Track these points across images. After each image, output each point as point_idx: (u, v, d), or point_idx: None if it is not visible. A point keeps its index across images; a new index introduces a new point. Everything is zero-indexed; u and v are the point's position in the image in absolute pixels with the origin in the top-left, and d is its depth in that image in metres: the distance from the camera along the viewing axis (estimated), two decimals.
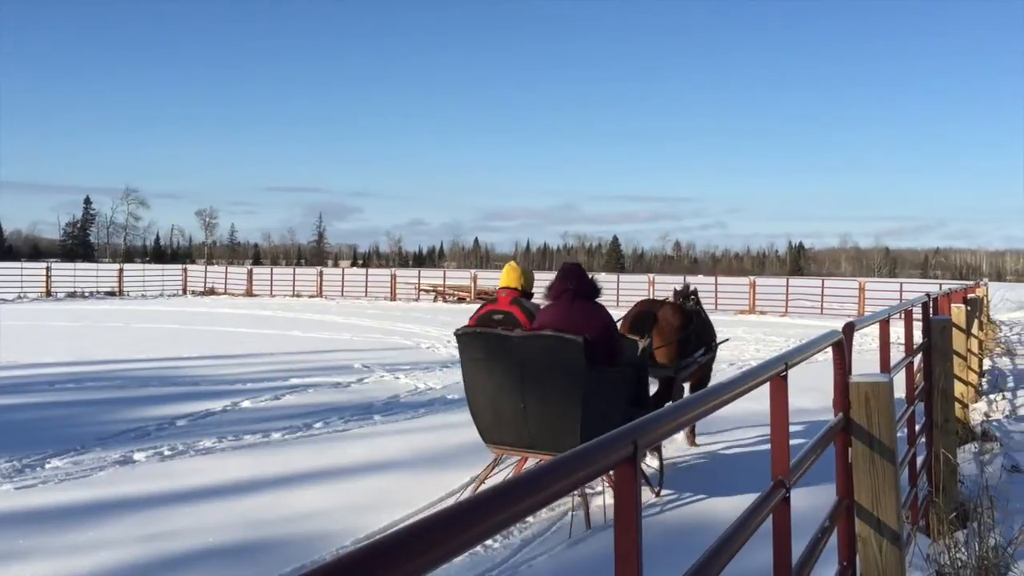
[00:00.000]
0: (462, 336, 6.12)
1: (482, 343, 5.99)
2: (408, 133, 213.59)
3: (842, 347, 3.05)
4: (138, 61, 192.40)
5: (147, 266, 58.15)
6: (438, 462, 7.22)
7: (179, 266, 46.60)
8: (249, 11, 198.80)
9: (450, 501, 6.03)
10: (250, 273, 39.89)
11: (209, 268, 46.30)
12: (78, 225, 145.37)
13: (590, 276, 6.39)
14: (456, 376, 12.34)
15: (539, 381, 5.76)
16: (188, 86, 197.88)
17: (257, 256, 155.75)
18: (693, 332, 7.94)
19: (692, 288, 9.03)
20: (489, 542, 5.25)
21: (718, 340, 8.74)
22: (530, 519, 5.72)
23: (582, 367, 5.63)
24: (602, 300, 6.35)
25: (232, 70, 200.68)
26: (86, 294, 35.15)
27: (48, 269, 35.56)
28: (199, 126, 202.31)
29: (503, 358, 5.87)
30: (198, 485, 6.45)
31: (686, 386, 7.81)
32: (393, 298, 35.64)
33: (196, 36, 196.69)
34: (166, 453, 7.43)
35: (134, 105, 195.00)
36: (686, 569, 1.64)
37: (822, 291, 31.81)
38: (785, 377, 2.28)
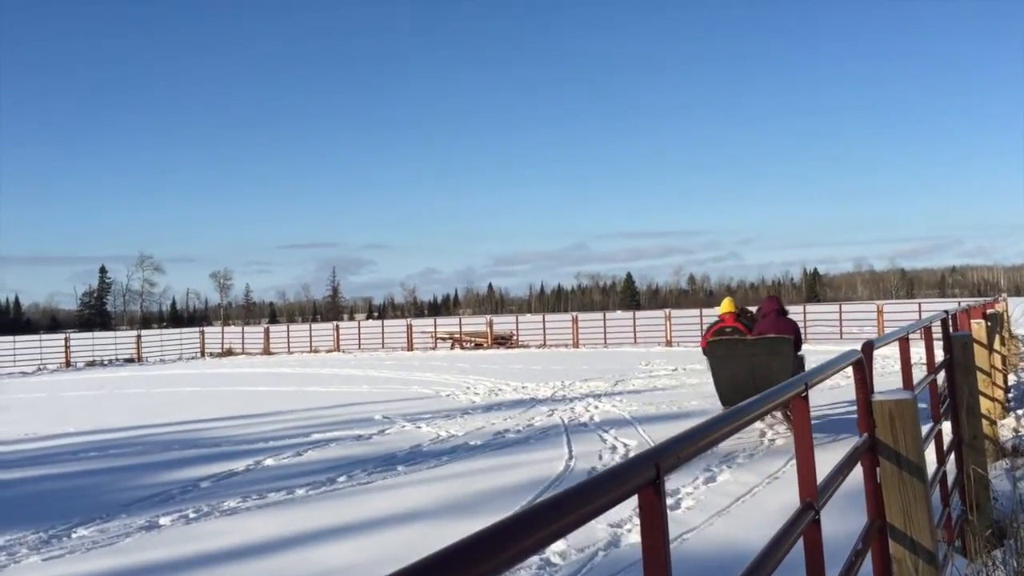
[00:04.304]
0: (712, 343, 10.23)
1: (725, 346, 10.11)
2: (417, 183, 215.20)
3: (863, 366, 3.02)
4: (143, 127, 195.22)
5: (164, 331, 58.44)
6: (464, 509, 7.16)
7: (196, 329, 46.82)
8: (250, 70, 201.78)
9: None
10: (267, 332, 40.03)
11: (226, 329, 46.47)
12: (94, 295, 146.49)
13: (782, 303, 10.80)
14: (478, 422, 12.33)
15: (764, 364, 9.72)
16: (196, 150, 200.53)
17: (273, 314, 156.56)
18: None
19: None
20: None
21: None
22: (560, 562, 5.66)
23: (790, 353, 9.87)
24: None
25: (240, 130, 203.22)
26: (105, 362, 35.32)
27: (67, 340, 35.79)
28: (210, 189, 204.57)
29: (740, 352, 9.93)
30: (224, 546, 6.42)
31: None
32: (410, 348, 35.64)
33: (201, 99, 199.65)
34: (191, 516, 7.40)
35: (144, 172, 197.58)
36: None
37: (840, 316, 31.62)
38: (806, 398, 2.26)
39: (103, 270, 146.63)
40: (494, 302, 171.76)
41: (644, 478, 1.25)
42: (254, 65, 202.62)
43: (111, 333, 53.97)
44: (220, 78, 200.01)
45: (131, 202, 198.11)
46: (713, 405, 12.82)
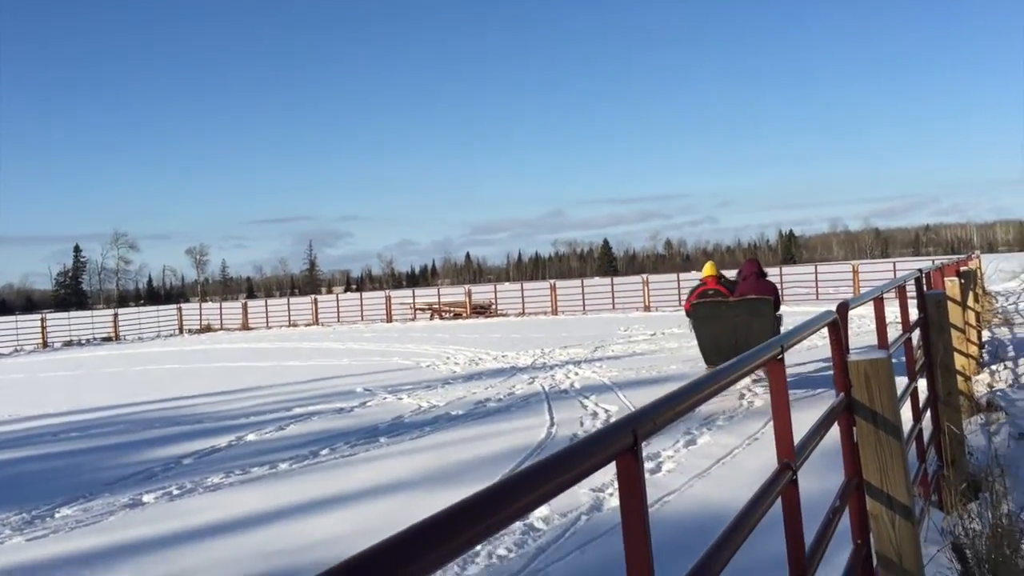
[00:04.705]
0: (696, 305, 10.77)
1: (708, 308, 10.63)
2: (392, 154, 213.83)
3: (838, 327, 3.05)
4: (113, 103, 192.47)
5: (141, 309, 58.07)
6: (447, 478, 7.20)
7: (173, 306, 46.51)
8: (222, 43, 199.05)
9: None
10: (245, 307, 39.85)
11: (204, 305, 46.25)
12: (69, 274, 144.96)
13: (761, 265, 11.26)
14: (459, 392, 12.37)
15: (746, 324, 10.18)
16: (168, 124, 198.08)
17: (250, 289, 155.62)
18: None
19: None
20: (503, 552, 5.25)
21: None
22: (543, 527, 5.72)
23: (771, 314, 10.37)
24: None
25: (210, 103, 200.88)
26: (82, 342, 35.07)
27: (43, 320, 35.48)
28: (183, 164, 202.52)
29: (723, 314, 10.43)
30: (209, 521, 6.43)
31: None
32: (389, 320, 35.60)
33: (171, 74, 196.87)
34: (175, 493, 7.40)
35: (116, 148, 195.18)
36: (697, 558, 1.64)
37: (816, 277, 31.86)
38: (782, 360, 2.29)
39: (77, 249, 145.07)
40: (472, 272, 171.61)
41: (622, 445, 1.26)
42: (223, 38, 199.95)
43: (88, 312, 53.58)
44: (190, 51, 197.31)
45: (104, 180, 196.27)
46: (693, 369, 12.94)
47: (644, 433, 1.31)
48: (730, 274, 12.06)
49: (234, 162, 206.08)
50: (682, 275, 34.94)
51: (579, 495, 6.19)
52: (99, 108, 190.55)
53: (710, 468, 7.02)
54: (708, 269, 11.39)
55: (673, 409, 1.46)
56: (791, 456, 2.20)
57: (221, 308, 41.77)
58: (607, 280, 39.66)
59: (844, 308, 3.33)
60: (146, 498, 7.27)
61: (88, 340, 35.61)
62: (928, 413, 5.71)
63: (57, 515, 6.91)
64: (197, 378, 17.12)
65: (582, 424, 9.35)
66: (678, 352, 15.82)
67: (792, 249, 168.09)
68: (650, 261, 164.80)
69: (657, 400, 1.45)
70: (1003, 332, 15.48)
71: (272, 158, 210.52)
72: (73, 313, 52.92)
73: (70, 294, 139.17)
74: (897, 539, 3.01)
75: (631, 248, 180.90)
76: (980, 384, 9.54)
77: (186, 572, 5.32)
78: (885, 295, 4.83)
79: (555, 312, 32.75)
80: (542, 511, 5.94)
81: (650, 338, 19.61)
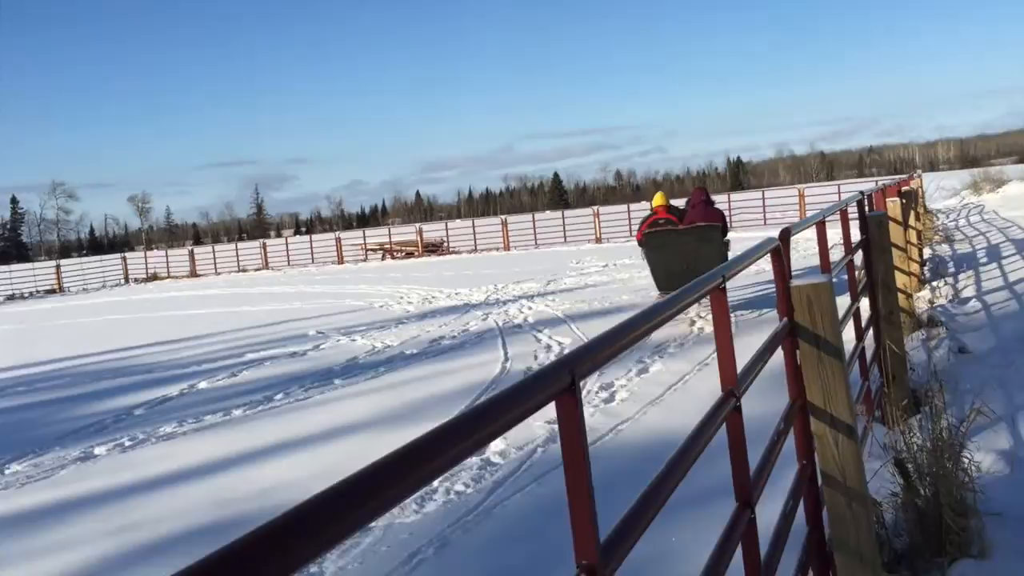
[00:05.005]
0: (648, 235, 10.92)
1: (660, 237, 10.84)
2: (336, 93, 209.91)
3: (780, 253, 3.07)
4: (45, 46, 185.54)
5: (85, 259, 56.89)
6: (403, 418, 7.23)
7: (117, 255, 45.55)
8: None
9: None
10: (191, 254, 39.22)
11: (149, 254, 45.38)
12: (7, 226, 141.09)
13: (709, 193, 11.62)
14: (413, 331, 12.37)
15: (695, 251, 10.45)
16: (102, 67, 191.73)
17: (197, 236, 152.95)
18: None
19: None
20: (461, 487, 5.31)
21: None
22: (499, 460, 5.78)
23: (720, 239, 10.74)
24: None
25: (147, 43, 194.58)
26: (25, 295, 34.33)
27: None
28: (120, 109, 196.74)
29: (674, 242, 10.70)
30: (163, 472, 6.39)
31: None
32: (340, 261, 35.31)
33: (103, 12, 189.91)
34: (127, 444, 7.34)
35: (49, 94, 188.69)
36: (644, 487, 1.66)
37: (763, 202, 32.19)
38: (724, 290, 2.30)
39: (14, 200, 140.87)
40: (423, 210, 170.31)
41: (560, 386, 1.26)
42: None
43: (29, 265, 52.27)
44: None
45: (38, 128, 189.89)
46: (644, 298, 13.07)
47: (582, 373, 1.31)
48: (679, 203, 12.25)
49: (174, 106, 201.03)
50: (632, 206, 35.06)
51: (534, 428, 6.25)
52: (30, 52, 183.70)
53: (663, 395, 7.13)
54: (658, 199, 11.69)
55: (611, 347, 1.46)
56: (734, 383, 2.23)
57: (167, 256, 41.08)
58: (558, 214, 39.66)
59: (786, 234, 3.36)
60: (98, 450, 7.20)
61: (31, 293, 34.86)
62: (871, 332, 5.83)
63: (7, 471, 6.82)
64: (146, 328, 16.86)
65: (536, 358, 9.41)
66: (629, 283, 15.93)
67: (740, 175, 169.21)
68: (601, 193, 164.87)
69: (593, 340, 1.45)
70: (944, 249, 15.83)
71: (213, 101, 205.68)
72: (14, 266, 51.67)
73: (9, 247, 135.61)
74: (840, 457, 3.08)
75: (582, 181, 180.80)
76: (922, 301, 9.77)
77: (140, 524, 5.30)
78: (828, 219, 4.88)
79: (507, 248, 32.74)
80: (498, 445, 6.00)
81: (602, 270, 19.72)
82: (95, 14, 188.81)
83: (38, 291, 35.41)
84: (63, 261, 47.23)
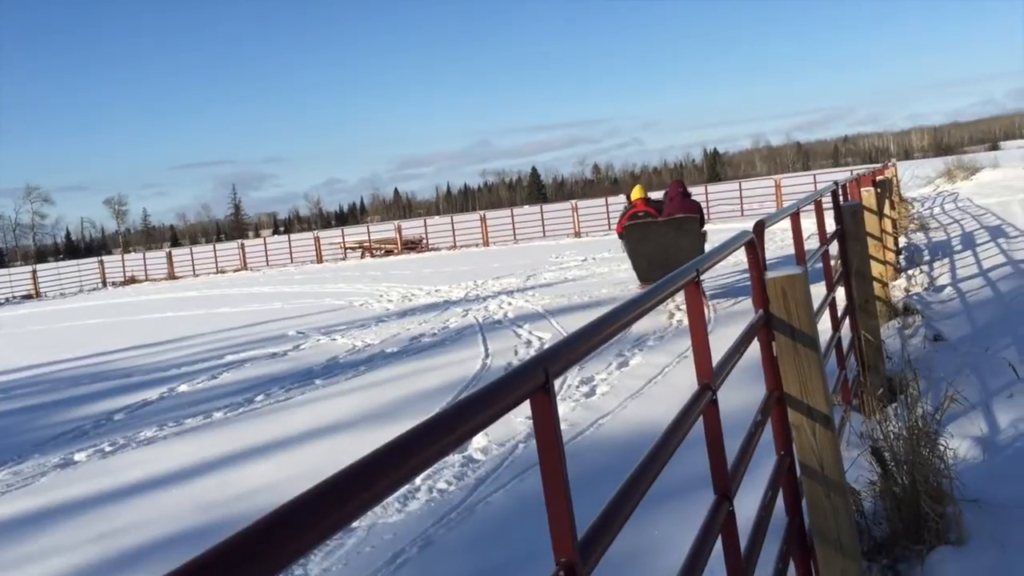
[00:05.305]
0: (628, 227, 11.22)
1: (640, 229, 11.13)
2: (313, 93, 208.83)
3: (755, 246, 3.10)
4: (17, 48, 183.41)
5: (61, 264, 56.29)
6: (384, 416, 7.22)
7: (95, 259, 45.21)
8: None
9: None
10: (169, 256, 38.94)
11: (126, 257, 45.03)
12: None
13: (685, 186, 11.88)
14: (393, 329, 12.35)
15: (674, 242, 10.80)
16: (75, 69, 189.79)
17: (175, 238, 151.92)
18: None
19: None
20: (443, 485, 5.31)
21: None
22: (481, 457, 5.79)
23: (697, 231, 11.08)
24: None
25: (119, 45, 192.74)
26: (1, 301, 33.98)
27: None
28: (94, 110, 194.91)
29: (653, 233, 11.00)
30: (144, 477, 6.36)
31: None
32: (319, 260, 35.17)
33: (75, 17, 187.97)
34: (107, 449, 7.29)
35: (22, 98, 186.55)
36: (621, 482, 1.67)
37: (740, 193, 32.36)
38: (699, 283, 2.31)
39: None
40: (401, 207, 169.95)
41: (534, 384, 1.26)
42: None
43: (4, 270, 51.80)
44: None
45: (11, 131, 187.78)
46: (623, 292, 13.11)
47: (556, 371, 1.32)
48: (656, 195, 12.48)
49: (149, 107, 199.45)
50: (611, 199, 35.12)
51: (515, 424, 6.27)
52: (2, 57, 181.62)
53: (643, 388, 7.17)
54: (637, 192, 11.98)
55: (586, 344, 1.47)
56: (710, 376, 2.24)
57: (145, 258, 40.74)
58: (537, 208, 39.69)
59: (760, 227, 3.38)
60: (78, 457, 7.15)
61: (7, 299, 34.52)
62: (847, 321, 5.88)
63: None
64: (124, 331, 16.74)
65: (516, 353, 9.43)
66: (608, 276, 15.98)
67: (717, 167, 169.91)
68: (579, 187, 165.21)
69: (567, 337, 1.45)
70: (919, 237, 15.97)
71: (188, 101, 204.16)
72: None
73: None
74: (818, 447, 3.11)
75: (559, 175, 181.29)
76: (897, 289, 9.85)
77: (123, 529, 5.27)
78: (804, 209, 4.92)
79: (486, 243, 32.74)
80: (480, 442, 6.01)
81: (581, 264, 19.76)
82: (67, 17, 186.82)
83: (14, 297, 35.08)
84: (39, 266, 46.79)
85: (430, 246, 34.62)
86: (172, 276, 37.07)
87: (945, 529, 3.55)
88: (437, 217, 57.75)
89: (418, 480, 5.24)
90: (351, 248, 36.31)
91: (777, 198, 30.56)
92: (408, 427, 1.08)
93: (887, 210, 11.49)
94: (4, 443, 7.99)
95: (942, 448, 3.86)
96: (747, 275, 12.42)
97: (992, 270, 10.35)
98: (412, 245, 34.72)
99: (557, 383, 1.60)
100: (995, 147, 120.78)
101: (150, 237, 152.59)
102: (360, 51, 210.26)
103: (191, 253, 39.73)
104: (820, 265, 5.92)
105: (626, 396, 6.96)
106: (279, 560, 0.84)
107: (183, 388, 9.67)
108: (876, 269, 7.64)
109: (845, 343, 5.67)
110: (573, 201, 36.32)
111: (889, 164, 28.65)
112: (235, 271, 36.08)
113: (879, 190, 9.44)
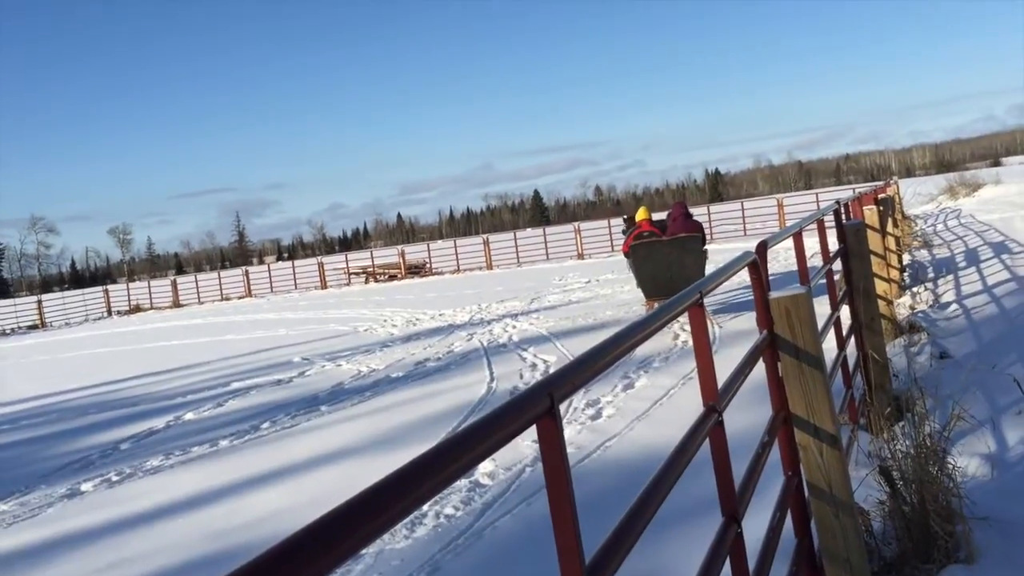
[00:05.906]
0: (634, 247, 11.48)
1: (645, 248, 11.42)
2: (315, 119, 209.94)
3: (757, 266, 3.11)
4: (21, 83, 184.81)
5: (66, 293, 56.42)
6: (390, 442, 7.21)
7: (99, 288, 45.32)
8: (132, 15, 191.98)
9: None
10: (174, 284, 39.01)
11: (131, 285, 45.18)
12: None
13: (687, 206, 12.30)
14: (398, 354, 12.35)
15: (678, 260, 11.17)
16: (78, 101, 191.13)
17: (179, 266, 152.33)
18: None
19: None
20: (451, 511, 5.30)
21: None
22: (488, 482, 5.78)
23: (700, 249, 11.47)
24: None
25: (122, 76, 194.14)
26: (7, 331, 34.05)
27: None
28: (97, 141, 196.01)
29: (658, 252, 11.30)
30: (151, 506, 6.35)
31: None
32: (324, 286, 35.20)
33: (79, 49, 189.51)
34: (114, 479, 7.28)
35: (26, 129, 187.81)
36: (629, 504, 1.67)
37: (743, 213, 32.36)
38: (702, 305, 2.32)
39: None
40: (404, 232, 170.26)
41: (539, 409, 1.27)
42: (133, 8, 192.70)
43: (10, 301, 51.88)
44: (101, 22, 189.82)
45: (16, 163, 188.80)
46: (627, 313, 13.12)
47: (561, 396, 1.32)
48: (660, 216, 13.00)
49: (151, 135, 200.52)
50: (613, 221, 35.09)
51: (522, 448, 6.25)
52: (5, 89, 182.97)
53: (649, 410, 7.15)
54: (641, 213, 12.39)
55: (589, 368, 1.48)
56: (715, 398, 2.25)
57: (150, 287, 40.81)
58: (540, 231, 39.75)
59: (763, 248, 3.40)
60: (84, 487, 7.14)
61: (13, 330, 34.57)
62: (853, 340, 5.88)
63: None
64: (130, 360, 16.76)
65: (522, 376, 9.42)
66: (612, 298, 15.98)
67: (719, 187, 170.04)
68: (581, 209, 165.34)
69: (570, 362, 1.47)
70: (923, 254, 15.96)
71: (190, 129, 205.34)
72: None
73: None
74: (826, 467, 3.11)
75: (562, 197, 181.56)
76: (902, 307, 9.84)
77: (131, 559, 5.26)
78: (806, 228, 4.93)
79: (490, 267, 32.77)
80: (487, 467, 5.99)
81: (585, 286, 19.77)
82: (69, 45, 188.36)
83: (20, 327, 35.14)
84: (44, 296, 46.98)
85: (434, 270, 34.66)
86: (177, 304, 37.11)
87: (955, 548, 3.53)
88: (440, 241, 57.89)
89: (425, 506, 5.23)
90: (355, 274, 36.34)
91: (780, 217, 30.58)
92: (415, 453, 1.09)
93: (890, 228, 11.49)
94: (11, 474, 7.99)
95: (950, 466, 3.85)
96: (750, 288, 12.40)
97: (997, 286, 10.33)
98: (416, 270, 34.75)
99: (563, 406, 1.61)
100: (997, 163, 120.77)
101: (154, 265, 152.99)
102: (361, 76, 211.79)
103: (196, 281, 39.77)
104: (824, 281, 5.93)
105: (632, 418, 6.95)
106: None
107: (189, 416, 9.67)
108: (880, 287, 7.64)
109: (851, 362, 5.66)
110: (576, 223, 36.39)
111: (891, 181, 28.69)
112: (239, 298, 36.12)
113: (881, 208, 9.45)
